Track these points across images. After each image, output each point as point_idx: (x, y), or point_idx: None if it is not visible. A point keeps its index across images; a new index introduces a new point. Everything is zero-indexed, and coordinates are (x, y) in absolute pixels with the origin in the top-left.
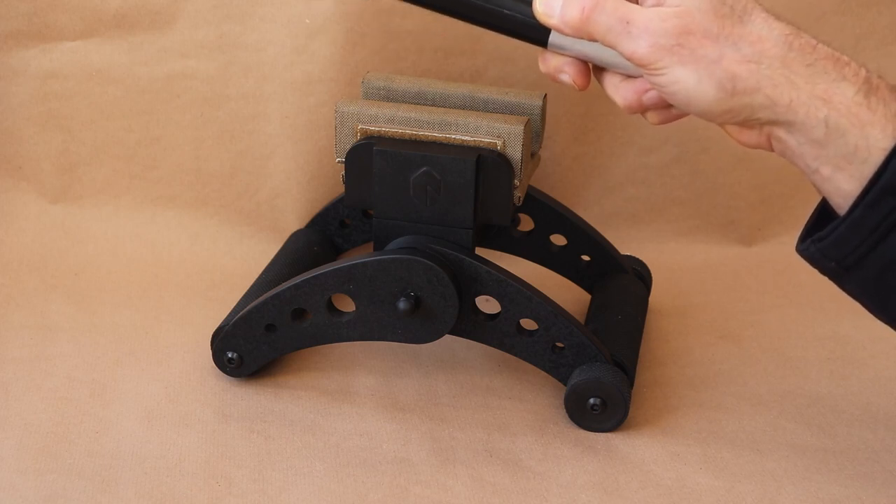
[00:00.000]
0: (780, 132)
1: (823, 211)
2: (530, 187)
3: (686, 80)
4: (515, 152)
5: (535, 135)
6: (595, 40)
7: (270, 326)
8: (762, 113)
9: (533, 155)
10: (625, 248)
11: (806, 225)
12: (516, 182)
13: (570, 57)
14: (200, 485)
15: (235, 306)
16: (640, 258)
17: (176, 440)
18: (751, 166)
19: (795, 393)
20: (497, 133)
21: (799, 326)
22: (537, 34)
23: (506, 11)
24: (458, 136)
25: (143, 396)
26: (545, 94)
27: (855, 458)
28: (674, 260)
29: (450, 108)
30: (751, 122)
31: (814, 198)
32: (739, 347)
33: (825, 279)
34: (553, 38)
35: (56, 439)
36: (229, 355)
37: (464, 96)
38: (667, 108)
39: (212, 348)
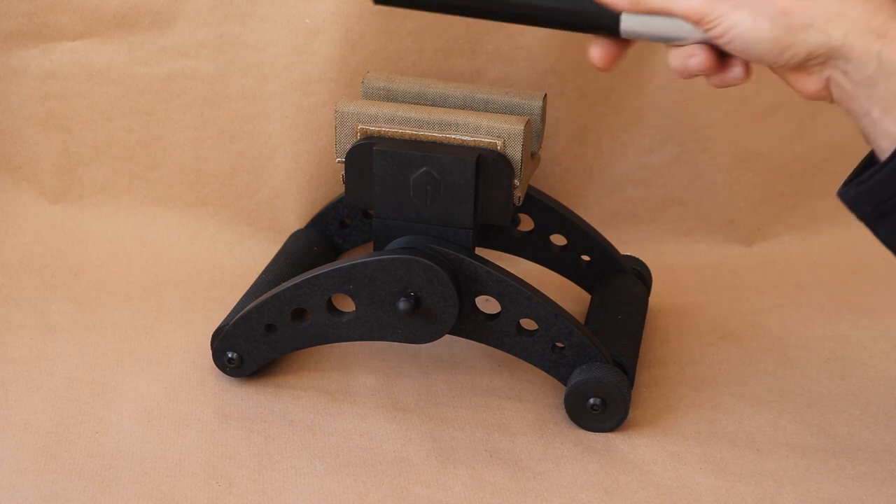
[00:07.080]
0: (837, 74)
1: (871, 160)
2: (530, 187)
3: (742, 23)
4: (515, 152)
5: (535, 135)
6: (652, 11)
7: (270, 326)
8: (819, 50)
9: (533, 155)
10: (625, 248)
11: (852, 172)
12: (516, 182)
13: (647, 40)
14: (200, 485)
15: (235, 306)
16: (640, 258)
17: (176, 440)
18: (751, 166)
19: (795, 393)
20: (497, 133)
21: (799, 326)
22: (607, 21)
23: (572, 7)
24: (458, 136)
25: (143, 396)
26: (545, 95)
27: (855, 458)
28: (674, 260)
29: (450, 108)
30: (810, 64)
31: (814, 197)
32: (739, 347)
33: (825, 279)
34: (624, 23)
35: (56, 439)
36: (229, 355)
37: (464, 96)
38: (717, 71)
39: (212, 348)
